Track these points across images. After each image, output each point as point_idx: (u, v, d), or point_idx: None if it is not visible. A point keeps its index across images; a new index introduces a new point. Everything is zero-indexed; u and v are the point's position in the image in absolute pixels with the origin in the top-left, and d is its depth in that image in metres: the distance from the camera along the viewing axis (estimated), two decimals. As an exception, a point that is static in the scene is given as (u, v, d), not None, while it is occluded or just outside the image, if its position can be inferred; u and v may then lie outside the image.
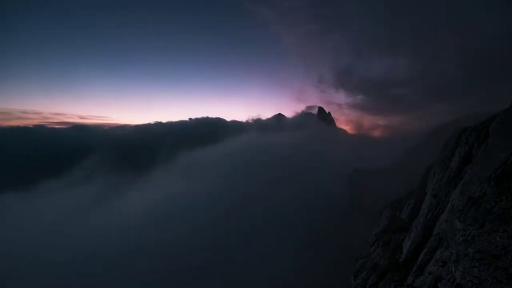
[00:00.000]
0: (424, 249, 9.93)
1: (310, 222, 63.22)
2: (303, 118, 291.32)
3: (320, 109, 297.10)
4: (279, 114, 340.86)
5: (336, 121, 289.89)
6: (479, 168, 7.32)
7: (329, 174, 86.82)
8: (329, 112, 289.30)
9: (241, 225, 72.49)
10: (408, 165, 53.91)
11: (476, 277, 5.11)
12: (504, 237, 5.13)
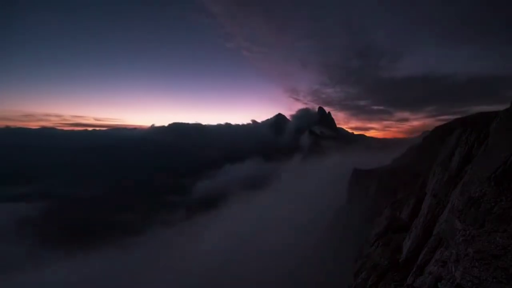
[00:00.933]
0: (424, 249, 9.92)
1: (310, 222, 63.18)
2: (303, 117, 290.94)
3: (320, 109, 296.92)
4: (279, 114, 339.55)
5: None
6: (479, 168, 7.30)
7: (328, 174, 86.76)
8: (329, 112, 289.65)
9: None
10: (408, 165, 53.83)
11: (476, 277, 5.10)
12: (504, 237, 5.12)
